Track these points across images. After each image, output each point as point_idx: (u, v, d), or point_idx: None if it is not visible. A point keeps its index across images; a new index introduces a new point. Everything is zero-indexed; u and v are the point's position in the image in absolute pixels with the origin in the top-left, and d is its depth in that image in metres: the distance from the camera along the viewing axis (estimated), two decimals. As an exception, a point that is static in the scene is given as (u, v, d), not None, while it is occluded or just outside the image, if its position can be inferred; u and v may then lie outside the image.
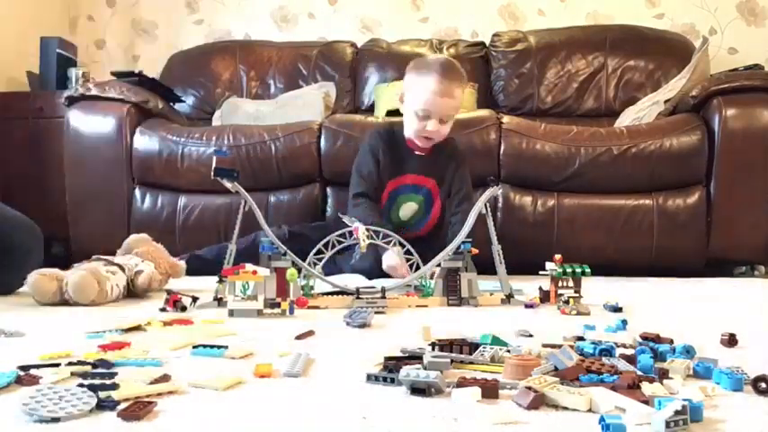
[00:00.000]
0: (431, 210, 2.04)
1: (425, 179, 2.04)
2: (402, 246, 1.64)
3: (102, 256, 1.65)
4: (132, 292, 1.61)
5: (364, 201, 2.00)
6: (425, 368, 0.80)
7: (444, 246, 1.56)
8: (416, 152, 2.01)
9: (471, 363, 0.87)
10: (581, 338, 1.01)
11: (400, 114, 2.57)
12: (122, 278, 1.58)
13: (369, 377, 0.80)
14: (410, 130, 1.98)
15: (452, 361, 0.86)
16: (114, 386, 0.74)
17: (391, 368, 0.80)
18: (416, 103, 1.92)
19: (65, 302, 1.47)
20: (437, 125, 1.92)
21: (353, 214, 1.85)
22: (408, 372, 0.75)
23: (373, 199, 2.01)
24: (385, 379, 0.79)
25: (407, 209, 2.04)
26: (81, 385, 0.73)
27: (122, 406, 0.68)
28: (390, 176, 2.03)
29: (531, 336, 1.10)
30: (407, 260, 1.66)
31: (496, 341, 0.95)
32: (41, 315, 1.35)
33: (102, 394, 0.71)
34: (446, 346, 0.92)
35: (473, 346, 0.92)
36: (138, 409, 0.67)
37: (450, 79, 1.90)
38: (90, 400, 0.68)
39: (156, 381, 0.79)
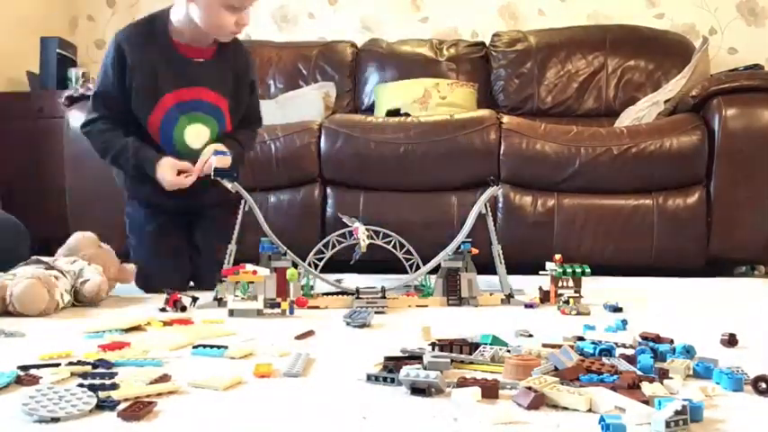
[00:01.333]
0: (220, 129, 1.72)
1: (217, 96, 1.69)
2: (402, 246, 1.64)
3: (41, 258, 1.49)
4: (78, 300, 1.46)
5: (100, 125, 1.67)
6: (425, 368, 0.80)
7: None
8: (192, 57, 1.67)
9: (471, 363, 0.87)
10: (581, 338, 1.01)
11: (400, 114, 2.58)
12: (67, 284, 1.43)
13: (369, 377, 0.80)
14: (213, 29, 1.62)
15: (452, 361, 0.86)
16: (114, 386, 0.74)
17: (391, 368, 0.80)
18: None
19: (8, 314, 1.32)
20: (246, 16, 1.61)
21: (95, 147, 1.66)
22: (408, 372, 0.75)
23: (117, 123, 1.67)
24: (385, 379, 0.79)
25: (196, 134, 1.69)
26: (81, 385, 0.73)
27: (122, 406, 0.68)
28: (164, 89, 1.65)
29: (531, 336, 1.10)
30: (407, 260, 1.66)
31: (496, 341, 0.95)
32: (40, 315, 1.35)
33: (102, 394, 0.71)
34: (446, 346, 0.92)
35: (473, 346, 0.92)
36: (138, 409, 0.67)
37: None
38: (90, 399, 0.68)
39: (156, 381, 0.79)
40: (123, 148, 1.65)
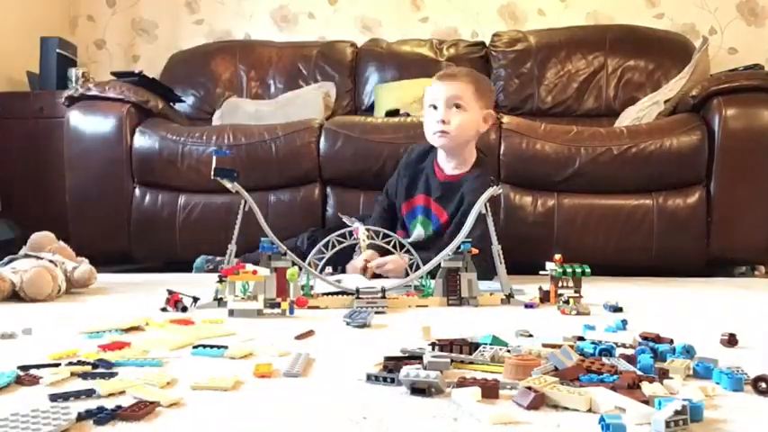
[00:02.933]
0: (438, 229, 1.97)
1: (439, 209, 1.97)
2: (402, 246, 1.64)
3: (29, 253, 1.66)
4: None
5: (377, 210, 2.10)
6: (425, 368, 0.80)
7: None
8: (440, 178, 1.99)
9: (471, 363, 0.87)
10: (581, 338, 1.01)
11: (399, 114, 2.58)
12: (60, 272, 1.59)
13: (369, 377, 0.80)
14: (429, 134, 1.95)
15: (452, 361, 0.86)
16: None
17: (391, 368, 0.80)
18: (427, 99, 1.95)
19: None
20: (446, 112, 1.88)
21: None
22: (408, 372, 0.75)
23: (387, 211, 2.09)
24: (385, 379, 0.79)
25: (417, 233, 1.99)
26: (55, 398, 0.72)
27: (111, 406, 0.67)
28: (407, 196, 2.04)
29: (531, 336, 1.10)
30: (407, 260, 1.66)
31: (496, 341, 0.95)
32: (40, 315, 1.35)
33: (94, 383, 0.70)
34: (446, 346, 0.92)
35: (473, 346, 0.92)
36: (138, 409, 0.67)
37: (450, 70, 2.01)
38: (67, 415, 0.64)
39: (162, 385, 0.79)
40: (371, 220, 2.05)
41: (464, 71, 2.00)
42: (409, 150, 2.11)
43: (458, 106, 1.89)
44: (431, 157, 2.04)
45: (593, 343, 0.95)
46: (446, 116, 1.88)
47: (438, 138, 1.91)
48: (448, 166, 1.99)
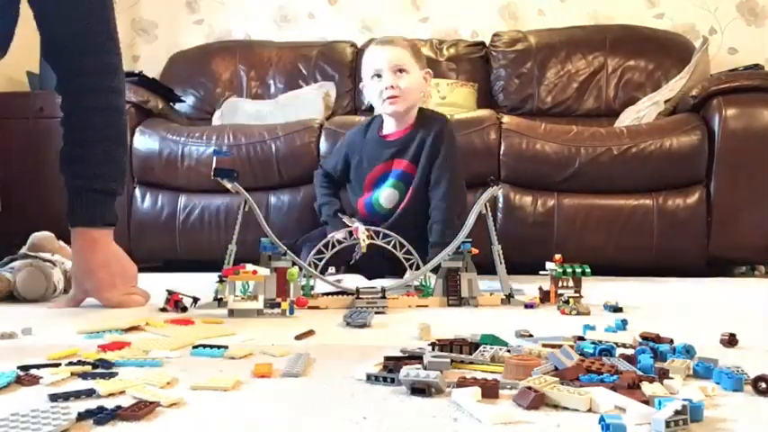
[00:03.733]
0: (409, 184, 1.95)
1: (397, 161, 1.98)
2: (402, 246, 1.64)
3: (28, 253, 1.65)
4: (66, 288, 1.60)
5: (322, 179, 2.11)
6: (425, 368, 0.80)
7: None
8: (390, 138, 2.01)
9: (470, 363, 0.87)
10: (581, 338, 1.01)
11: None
12: (58, 272, 1.59)
13: (369, 377, 0.80)
14: (377, 103, 1.98)
15: (452, 361, 0.86)
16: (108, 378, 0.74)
17: (391, 368, 0.80)
18: (368, 71, 1.97)
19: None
20: (392, 77, 1.92)
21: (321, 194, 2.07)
22: (408, 372, 0.75)
23: (331, 183, 2.11)
24: (385, 379, 0.79)
25: (386, 197, 1.99)
26: (55, 398, 0.72)
27: (107, 414, 0.66)
28: (367, 171, 2.02)
29: (531, 336, 1.10)
30: (407, 260, 1.66)
31: (496, 341, 0.95)
32: (39, 315, 1.35)
33: (94, 383, 0.70)
34: (446, 346, 0.91)
35: (473, 346, 0.92)
36: (138, 409, 0.67)
37: (384, 38, 2.05)
38: (67, 415, 0.64)
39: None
40: (324, 204, 2.08)
41: (396, 36, 2.07)
42: (348, 133, 2.15)
43: (401, 70, 1.93)
44: (372, 129, 2.06)
45: (593, 343, 0.95)
46: (394, 81, 1.92)
47: (389, 104, 1.93)
48: (396, 131, 2.02)
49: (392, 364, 0.82)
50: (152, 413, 0.67)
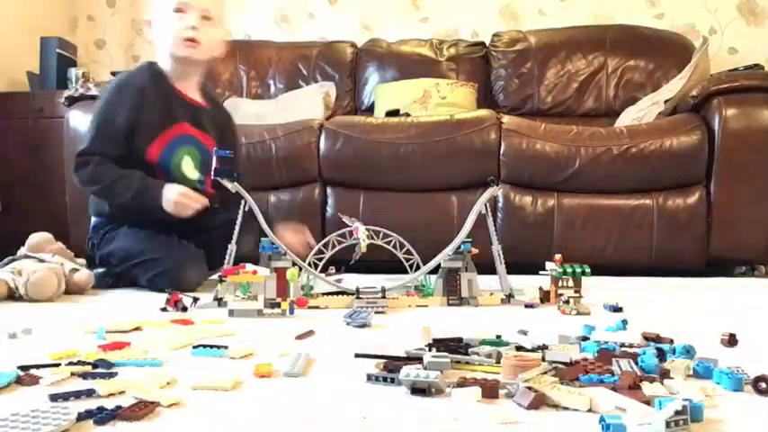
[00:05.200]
0: (206, 160, 1.78)
1: (205, 135, 1.82)
2: (402, 246, 1.64)
3: (29, 254, 1.67)
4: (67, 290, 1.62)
5: (98, 161, 1.70)
6: (425, 368, 0.80)
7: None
8: (189, 100, 1.82)
9: (467, 363, 0.87)
10: (585, 338, 1.01)
11: (399, 114, 2.58)
12: (61, 275, 1.59)
13: (369, 377, 0.80)
14: (173, 40, 1.74)
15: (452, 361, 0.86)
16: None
17: (391, 368, 0.80)
18: (170, 3, 1.72)
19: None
20: (200, 20, 1.72)
21: (81, 178, 1.70)
22: (408, 372, 0.75)
23: (112, 160, 1.71)
24: (385, 379, 0.79)
25: (189, 165, 1.80)
26: (55, 398, 0.72)
27: (106, 413, 0.66)
28: (163, 127, 1.75)
29: (525, 333, 1.10)
30: (407, 260, 1.66)
31: (497, 343, 0.95)
32: (39, 315, 1.35)
33: (94, 383, 0.70)
34: (441, 345, 0.91)
35: (467, 347, 0.92)
36: (138, 409, 0.67)
37: None
38: (67, 415, 0.64)
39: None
40: (123, 176, 1.69)
41: None
42: (124, 83, 1.78)
43: (208, 18, 1.75)
44: (160, 78, 1.80)
45: (597, 343, 0.95)
46: (199, 24, 1.73)
47: (185, 46, 1.74)
48: (187, 87, 1.83)
49: (392, 365, 0.82)
50: (152, 413, 0.68)
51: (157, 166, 1.75)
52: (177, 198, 1.66)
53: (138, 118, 1.73)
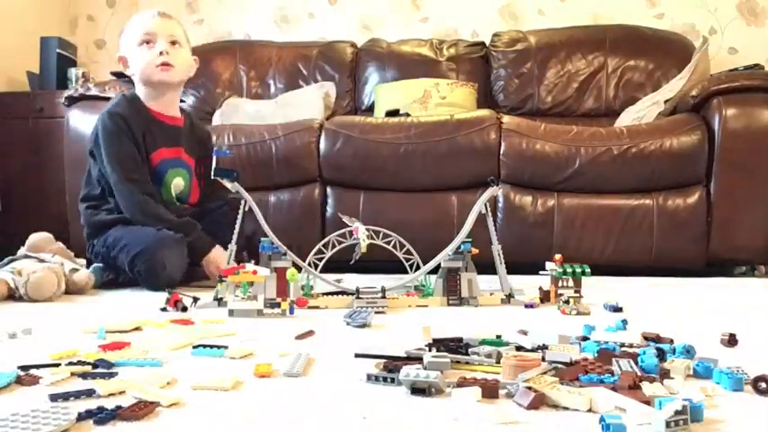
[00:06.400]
0: (191, 183, 1.96)
1: (186, 156, 1.95)
2: (402, 246, 1.64)
3: (29, 254, 1.69)
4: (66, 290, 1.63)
5: (145, 195, 1.81)
6: (425, 368, 0.80)
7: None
8: (167, 121, 1.92)
9: (467, 363, 0.87)
10: (585, 338, 1.01)
11: (399, 114, 2.58)
12: (60, 275, 1.60)
13: (369, 377, 0.80)
14: (148, 69, 1.85)
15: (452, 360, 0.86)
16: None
17: (391, 368, 0.80)
18: (137, 36, 1.86)
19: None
20: (168, 45, 1.85)
21: (131, 208, 1.79)
22: (408, 372, 0.75)
23: (147, 186, 1.84)
24: (385, 379, 0.79)
25: (177, 185, 1.93)
26: (55, 398, 0.72)
27: (106, 413, 0.66)
28: (148, 151, 1.87)
29: (526, 333, 1.10)
30: (407, 260, 1.67)
31: (497, 343, 0.95)
32: (39, 315, 1.35)
33: (94, 383, 0.70)
34: (440, 346, 0.91)
35: (467, 346, 0.92)
36: (138, 409, 0.67)
37: (161, 10, 1.93)
38: (67, 415, 0.64)
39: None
40: (188, 222, 1.84)
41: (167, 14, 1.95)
42: (110, 115, 1.84)
43: (176, 43, 1.89)
44: (137, 105, 1.89)
45: (597, 343, 0.95)
46: (169, 49, 1.86)
47: (160, 71, 1.85)
48: (166, 108, 1.93)
49: (392, 365, 0.82)
50: (152, 413, 0.68)
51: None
52: (219, 266, 1.71)
53: (136, 143, 1.85)
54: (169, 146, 1.91)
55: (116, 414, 0.66)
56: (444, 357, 0.83)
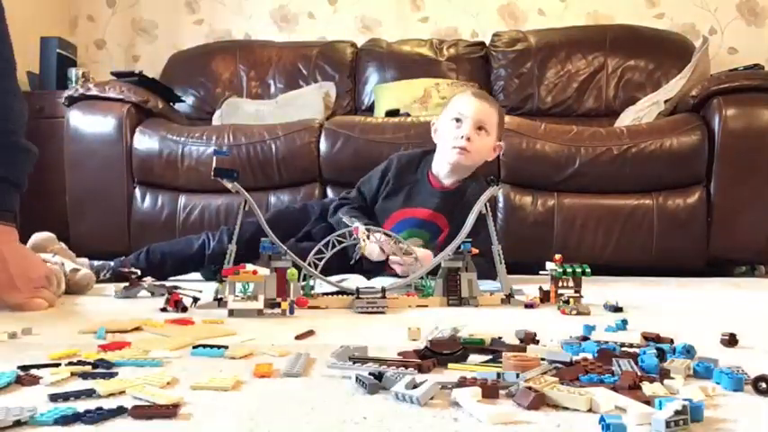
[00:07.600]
0: (435, 240, 1.91)
1: (436, 215, 1.92)
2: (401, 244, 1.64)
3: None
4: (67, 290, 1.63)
5: (351, 206, 1.93)
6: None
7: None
8: (436, 188, 1.94)
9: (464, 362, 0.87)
10: (585, 338, 1.01)
11: (399, 114, 2.58)
12: (61, 275, 1.59)
13: (357, 379, 0.78)
14: (444, 145, 1.89)
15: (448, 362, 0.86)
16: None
17: (377, 374, 0.78)
18: (451, 113, 1.88)
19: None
20: (473, 131, 1.83)
21: (337, 218, 1.86)
22: (395, 381, 0.74)
23: (362, 209, 1.94)
24: (364, 384, 0.76)
25: (412, 242, 1.88)
26: (55, 398, 0.71)
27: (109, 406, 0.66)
28: (399, 206, 1.94)
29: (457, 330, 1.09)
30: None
31: (477, 342, 0.94)
32: (39, 315, 1.35)
33: (94, 383, 0.70)
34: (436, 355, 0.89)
35: (464, 354, 0.90)
36: (165, 407, 0.67)
37: (482, 91, 1.99)
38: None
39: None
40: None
41: (490, 97, 2.01)
42: (398, 158, 2.02)
43: (483, 128, 1.86)
44: (423, 166, 1.98)
45: (597, 343, 0.95)
46: (472, 135, 1.84)
47: (456, 153, 1.85)
48: (446, 180, 1.94)
49: (378, 372, 0.78)
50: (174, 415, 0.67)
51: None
52: (379, 253, 1.76)
53: (387, 181, 1.97)
54: (425, 206, 1.92)
55: (126, 413, 0.66)
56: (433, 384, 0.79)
